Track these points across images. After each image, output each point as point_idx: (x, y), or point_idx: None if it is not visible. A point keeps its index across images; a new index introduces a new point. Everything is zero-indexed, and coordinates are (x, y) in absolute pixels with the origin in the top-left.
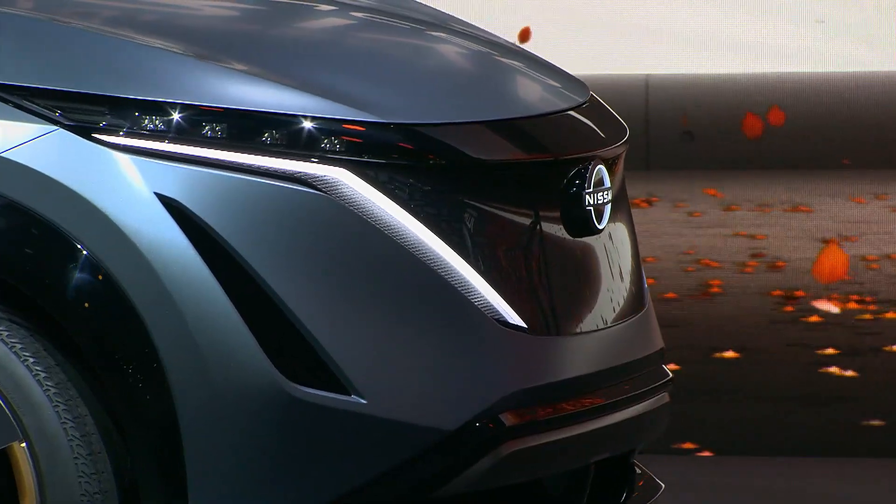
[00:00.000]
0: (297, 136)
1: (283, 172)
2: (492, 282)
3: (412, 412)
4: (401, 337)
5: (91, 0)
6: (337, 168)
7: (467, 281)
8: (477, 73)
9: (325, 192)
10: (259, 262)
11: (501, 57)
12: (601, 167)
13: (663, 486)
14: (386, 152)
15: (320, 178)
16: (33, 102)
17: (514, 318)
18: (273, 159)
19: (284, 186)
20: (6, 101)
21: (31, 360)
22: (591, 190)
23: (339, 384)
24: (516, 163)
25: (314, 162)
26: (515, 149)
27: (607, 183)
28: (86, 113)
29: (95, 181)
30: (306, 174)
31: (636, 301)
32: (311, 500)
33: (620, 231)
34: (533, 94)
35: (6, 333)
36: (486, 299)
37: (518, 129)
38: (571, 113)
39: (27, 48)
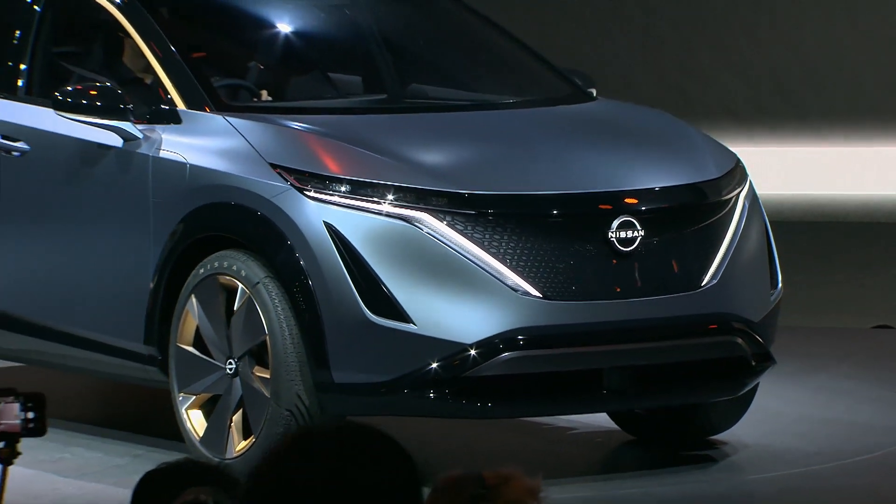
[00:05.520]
0: (400, 195)
1: (391, 213)
2: (511, 268)
3: (448, 333)
4: (448, 297)
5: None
6: (421, 213)
7: (491, 266)
8: (554, 157)
9: (413, 225)
10: (370, 257)
11: (610, 141)
12: (628, 219)
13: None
14: (451, 205)
15: (411, 217)
16: (282, 172)
17: (530, 289)
18: (387, 206)
19: (390, 221)
20: (276, 170)
21: (275, 296)
22: (613, 230)
23: (404, 317)
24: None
25: (410, 209)
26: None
27: (637, 226)
28: (300, 180)
29: (299, 213)
30: (403, 215)
31: (681, 284)
32: (389, 374)
33: (675, 248)
34: (570, 177)
35: (268, 281)
36: (506, 278)
37: (519, 200)
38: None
39: (273, 142)
